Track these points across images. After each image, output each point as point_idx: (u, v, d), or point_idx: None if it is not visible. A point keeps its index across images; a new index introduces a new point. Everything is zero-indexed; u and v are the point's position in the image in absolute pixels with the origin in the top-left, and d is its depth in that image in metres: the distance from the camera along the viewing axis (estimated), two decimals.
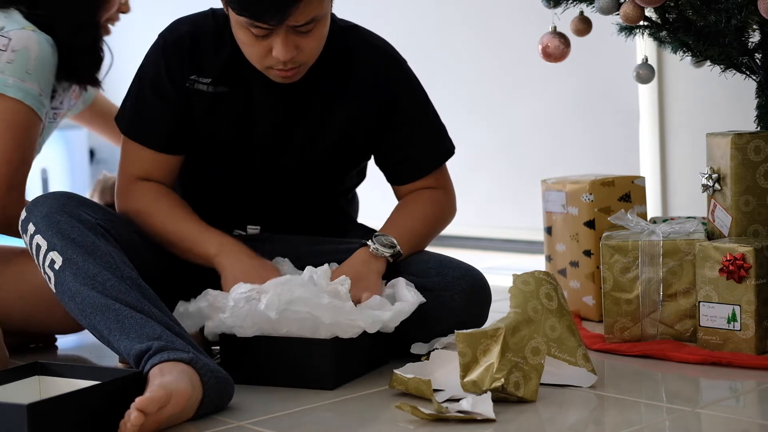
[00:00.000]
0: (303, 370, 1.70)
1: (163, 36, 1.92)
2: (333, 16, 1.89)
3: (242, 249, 1.85)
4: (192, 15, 1.94)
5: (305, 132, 1.93)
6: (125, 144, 1.95)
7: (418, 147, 1.98)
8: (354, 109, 1.93)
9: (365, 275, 1.82)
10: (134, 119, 1.93)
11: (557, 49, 2.22)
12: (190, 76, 1.89)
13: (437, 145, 2.00)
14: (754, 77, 2.09)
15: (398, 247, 1.86)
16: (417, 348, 1.81)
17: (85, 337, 2.15)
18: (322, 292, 1.69)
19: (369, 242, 1.86)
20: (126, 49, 4.64)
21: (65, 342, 2.18)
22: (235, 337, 1.71)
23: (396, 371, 1.66)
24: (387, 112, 1.94)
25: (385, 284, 1.84)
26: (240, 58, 1.87)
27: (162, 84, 1.89)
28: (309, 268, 1.79)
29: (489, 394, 1.54)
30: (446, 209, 2.01)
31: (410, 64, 2.00)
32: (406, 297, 1.78)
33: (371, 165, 2.09)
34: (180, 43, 1.89)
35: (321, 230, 2.05)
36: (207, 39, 1.90)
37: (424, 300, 1.77)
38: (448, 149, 2.02)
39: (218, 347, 1.80)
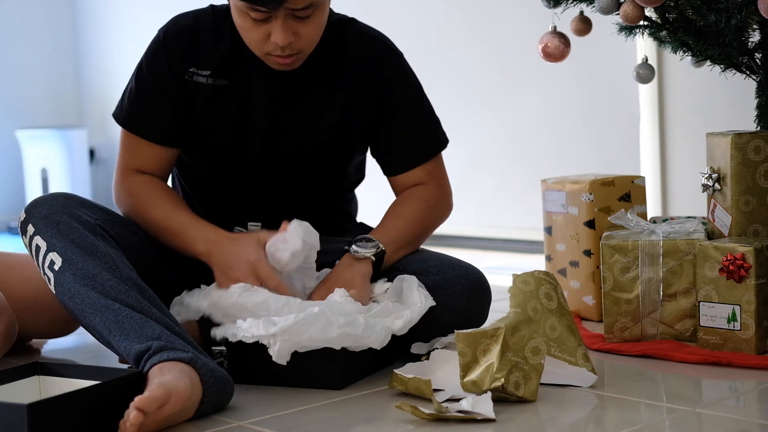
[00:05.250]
0: (311, 372, 1.70)
1: (163, 30, 1.94)
2: (330, 10, 1.90)
3: (226, 241, 1.82)
4: (192, 10, 1.96)
5: (302, 123, 1.93)
6: (123, 137, 1.96)
7: (410, 137, 1.98)
8: (349, 100, 1.94)
9: (350, 279, 1.82)
10: (133, 112, 1.94)
11: (557, 49, 2.22)
12: (190, 69, 1.90)
13: (429, 136, 2.00)
14: (754, 77, 2.09)
15: (381, 246, 1.86)
16: (417, 348, 1.81)
17: (85, 337, 2.15)
18: (331, 321, 1.66)
19: (349, 246, 1.87)
20: (125, 45, 4.64)
21: (65, 342, 2.18)
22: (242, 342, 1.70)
23: (396, 371, 1.66)
24: (381, 103, 1.95)
25: (387, 281, 1.84)
26: (239, 51, 1.88)
27: (162, 77, 1.91)
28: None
29: (489, 394, 1.54)
30: (439, 207, 2.00)
31: (411, 63, 2.01)
32: (414, 299, 1.77)
33: (371, 165, 2.09)
34: (180, 36, 1.91)
35: (321, 229, 2.04)
36: (206, 32, 1.91)
37: (433, 303, 1.77)
38: (441, 142, 2.01)
39: (219, 348, 1.79)
